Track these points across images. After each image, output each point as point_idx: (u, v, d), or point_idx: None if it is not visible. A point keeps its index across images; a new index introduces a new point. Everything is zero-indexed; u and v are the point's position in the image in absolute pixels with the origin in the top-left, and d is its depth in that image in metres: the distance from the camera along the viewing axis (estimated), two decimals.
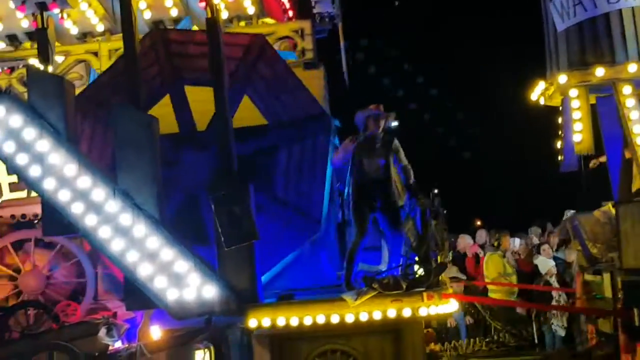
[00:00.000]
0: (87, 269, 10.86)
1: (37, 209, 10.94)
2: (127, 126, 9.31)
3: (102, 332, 9.09)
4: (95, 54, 12.16)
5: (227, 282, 9.04)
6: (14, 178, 11.06)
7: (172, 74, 10.61)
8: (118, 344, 9.42)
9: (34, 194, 10.99)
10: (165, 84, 10.66)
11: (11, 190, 11.08)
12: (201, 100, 10.58)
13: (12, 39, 12.73)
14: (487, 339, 11.08)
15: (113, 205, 9.16)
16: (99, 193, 9.19)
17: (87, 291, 10.77)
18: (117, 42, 12.36)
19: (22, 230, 11.02)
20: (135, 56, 9.70)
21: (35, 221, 11.18)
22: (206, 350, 10.86)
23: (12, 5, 11.26)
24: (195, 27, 12.19)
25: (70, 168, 9.24)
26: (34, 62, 12.05)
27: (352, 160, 9.49)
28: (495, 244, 14.35)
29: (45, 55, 10.62)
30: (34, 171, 9.27)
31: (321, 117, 10.53)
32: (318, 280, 10.40)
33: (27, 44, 12.84)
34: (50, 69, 10.61)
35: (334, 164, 9.47)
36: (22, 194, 11.08)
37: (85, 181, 9.21)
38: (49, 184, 9.23)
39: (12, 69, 13.04)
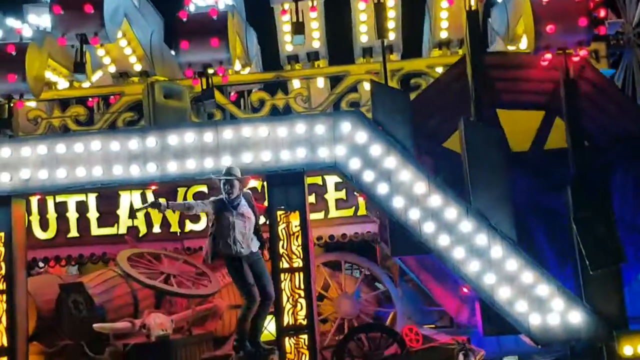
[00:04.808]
0: (394, 294, 10.59)
1: (357, 229, 10.62)
2: (477, 142, 9.03)
3: (460, 358, 8.74)
4: (377, 73, 11.87)
5: (593, 307, 8.59)
6: (341, 194, 10.65)
7: (491, 96, 10.30)
8: None
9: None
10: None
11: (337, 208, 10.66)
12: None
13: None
14: None
15: (467, 225, 8.83)
16: (452, 212, 8.88)
17: (398, 317, 10.48)
18: (397, 63, 12.16)
19: (336, 252, 10.79)
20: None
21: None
22: None
23: None
24: None
25: (420, 186, 8.95)
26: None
27: None
28: None
29: None
30: (382, 188, 8.99)
31: None
32: None
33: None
34: None
35: None
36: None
37: (436, 200, 8.91)
38: (398, 202, 8.95)
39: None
